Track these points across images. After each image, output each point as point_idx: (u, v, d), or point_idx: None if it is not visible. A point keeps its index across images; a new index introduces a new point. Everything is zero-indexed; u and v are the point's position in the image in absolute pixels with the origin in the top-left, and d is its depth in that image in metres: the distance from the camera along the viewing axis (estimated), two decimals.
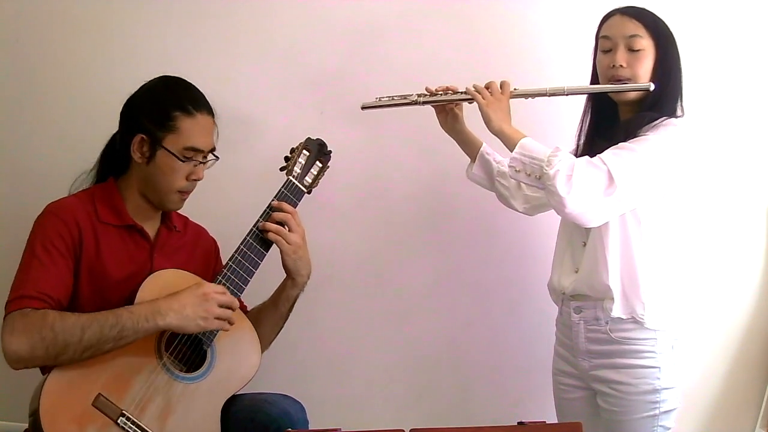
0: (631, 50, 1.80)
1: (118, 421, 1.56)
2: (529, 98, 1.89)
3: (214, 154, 1.82)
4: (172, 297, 1.64)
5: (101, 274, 1.70)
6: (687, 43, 2.10)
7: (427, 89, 1.95)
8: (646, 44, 1.79)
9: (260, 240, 1.79)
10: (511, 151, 1.76)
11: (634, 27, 1.80)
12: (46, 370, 1.64)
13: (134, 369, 1.63)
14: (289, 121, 2.22)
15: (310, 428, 1.74)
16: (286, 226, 1.81)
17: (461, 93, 1.92)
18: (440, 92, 1.95)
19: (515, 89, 1.87)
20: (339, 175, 2.20)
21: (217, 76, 2.24)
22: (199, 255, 1.91)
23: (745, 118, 2.24)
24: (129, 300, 1.67)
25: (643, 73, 1.80)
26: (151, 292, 1.67)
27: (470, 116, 1.97)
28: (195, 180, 1.79)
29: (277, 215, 1.80)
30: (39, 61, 2.26)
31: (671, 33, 1.83)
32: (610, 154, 1.72)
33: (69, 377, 1.57)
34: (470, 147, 2.04)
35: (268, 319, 1.90)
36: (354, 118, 2.23)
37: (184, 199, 1.81)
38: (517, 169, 1.76)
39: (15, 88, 2.26)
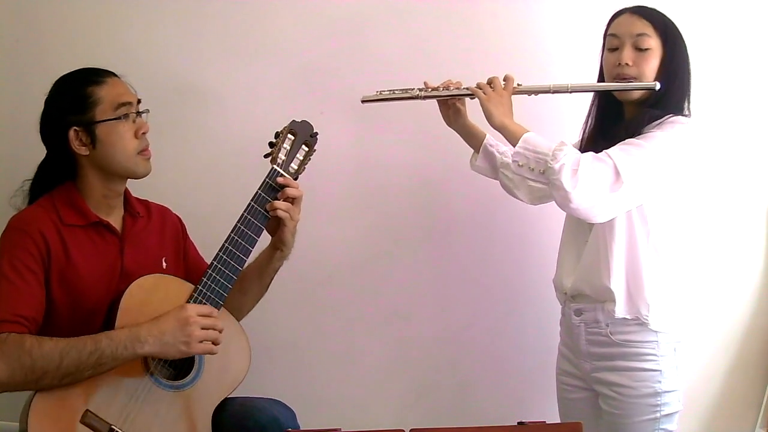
0: (638, 49, 1.78)
1: None
2: (532, 95, 1.86)
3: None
4: (153, 323, 1.61)
5: (74, 278, 1.69)
6: (689, 44, 2.10)
7: (426, 84, 1.93)
8: (653, 44, 1.78)
9: (252, 226, 1.77)
10: (514, 146, 1.75)
11: (643, 26, 1.78)
12: None
13: (121, 381, 1.62)
14: (288, 119, 2.22)
15: (308, 429, 1.73)
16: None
17: (463, 89, 1.90)
18: (441, 87, 1.93)
19: (519, 85, 1.85)
20: (339, 173, 2.20)
21: (217, 76, 2.24)
22: (169, 236, 1.91)
23: (746, 118, 2.23)
24: (110, 305, 1.67)
25: (648, 73, 1.78)
26: (134, 300, 1.66)
27: (474, 110, 1.94)
28: (144, 134, 1.77)
29: (290, 191, 1.79)
30: (38, 62, 2.25)
31: (680, 34, 1.81)
32: (617, 150, 1.70)
33: (57, 394, 1.57)
34: (474, 139, 2.01)
35: (253, 290, 1.90)
36: (354, 116, 2.22)
37: (149, 159, 1.79)
38: (521, 164, 1.74)
39: (14, 88, 2.26)
